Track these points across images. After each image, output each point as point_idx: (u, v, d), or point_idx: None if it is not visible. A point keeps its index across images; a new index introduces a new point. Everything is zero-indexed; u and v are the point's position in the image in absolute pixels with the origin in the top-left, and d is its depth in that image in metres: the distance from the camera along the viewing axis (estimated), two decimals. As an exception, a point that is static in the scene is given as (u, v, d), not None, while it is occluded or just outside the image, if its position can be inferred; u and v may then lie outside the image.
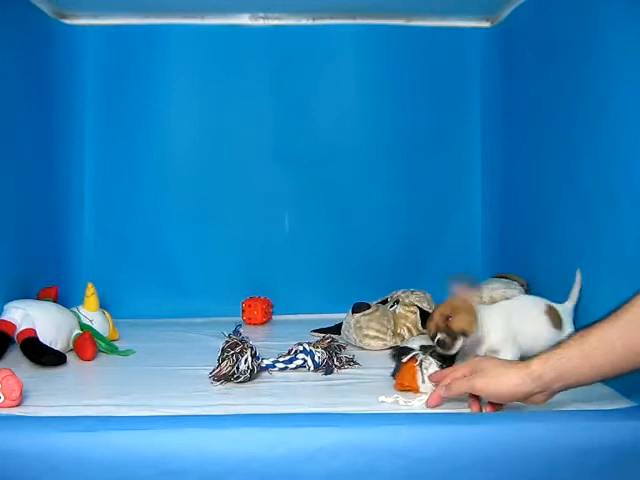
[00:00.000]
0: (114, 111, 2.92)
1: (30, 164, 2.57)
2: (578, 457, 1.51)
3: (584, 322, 2.00)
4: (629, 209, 1.79)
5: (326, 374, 2.04)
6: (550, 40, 2.31)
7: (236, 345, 1.96)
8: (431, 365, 1.85)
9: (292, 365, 2.07)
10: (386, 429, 1.52)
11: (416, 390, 1.83)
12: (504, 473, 1.50)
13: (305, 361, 2.07)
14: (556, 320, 1.96)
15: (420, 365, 1.84)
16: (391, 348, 1.94)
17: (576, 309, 2.05)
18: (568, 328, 1.97)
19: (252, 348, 1.97)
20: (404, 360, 1.89)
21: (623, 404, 1.70)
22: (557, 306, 2.00)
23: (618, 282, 1.83)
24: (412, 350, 1.91)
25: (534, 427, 1.53)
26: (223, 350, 1.95)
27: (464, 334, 1.80)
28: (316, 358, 2.06)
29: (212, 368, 1.95)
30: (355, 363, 2.13)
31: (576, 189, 2.10)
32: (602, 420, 1.56)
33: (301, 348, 2.10)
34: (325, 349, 2.12)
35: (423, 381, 1.82)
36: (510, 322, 1.90)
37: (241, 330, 2.06)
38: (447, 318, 1.82)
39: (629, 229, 1.79)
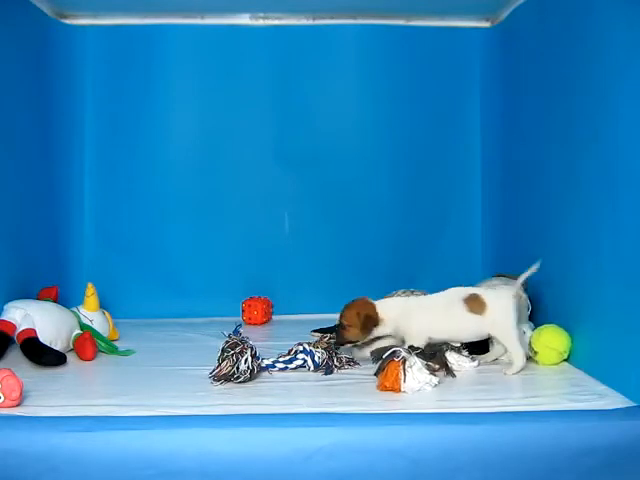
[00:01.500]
0: (114, 111, 2.92)
1: (30, 164, 2.57)
2: (578, 456, 1.51)
3: (588, 321, 2.03)
4: (630, 209, 1.79)
5: (326, 374, 2.04)
6: (550, 40, 2.31)
7: (236, 345, 1.96)
8: (415, 364, 1.86)
9: (292, 365, 2.07)
10: (386, 429, 1.52)
11: (397, 390, 1.83)
12: (504, 473, 1.50)
13: (305, 361, 2.07)
14: (476, 305, 2.05)
15: (404, 363, 1.85)
16: (372, 352, 1.99)
17: (572, 309, 2.09)
18: (497, 312, 2.03)
19: (252, 348, 1.97)
20: (385, 356, 1.89)
21: (623, 404, 1.70)
22: (485, 293, 2.07)
23: (619, 282, 1.82)
24: (392, 347, 1.94)
25: (534, 427, 1.54)
26: (223, 350, 1.95)
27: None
28: (316, 358, 2.07)
29: (212, 368, 1.95)
30: (355, 363, 2.13)
31: (576, 189, 2.09)
32: (602, 420, 1.56)
33: (301, 348, 2.10)
34: (325, 349, 2.12)
35: (405, 380, 1.83)
36: (405, 313, 2.07)
37: (241, 330, 2.06)
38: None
39: (630, 229, 1.78)
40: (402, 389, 1.82)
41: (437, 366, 1.97)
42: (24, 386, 1.70)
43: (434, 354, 2.01)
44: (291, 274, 2.97)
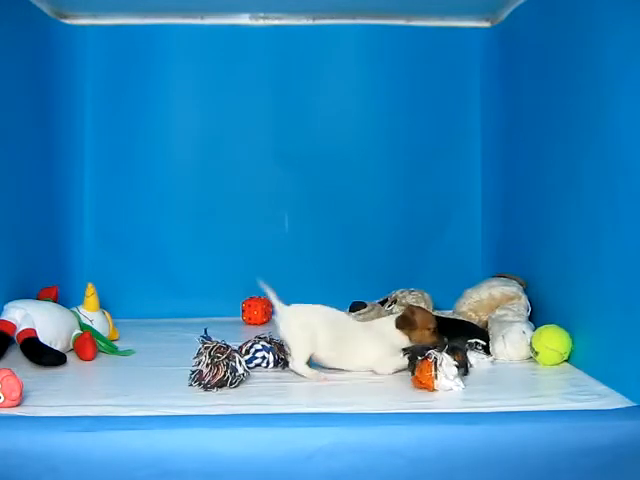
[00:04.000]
0: (114, 111, 2.92)
1: (30, 164, 2.57)
2: (577, 456, 1.51)
3: (588, 321, 2.02)
4: (630, 209, 1.79)
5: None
6: (550, 40, 2.31)
7: (222, 349, 1.91)
8: (443, 360, 1.87)
9: (252, 365, 2.06)
10: (386, 429, 1.52)
11: (431, 388, 1.84)
12: (504, 472, 1.50)
13: (265, 358, 2.08)
14: None
15: (435, 363, 1.86)
16: (404, 349, 2.00)
17: (572, 309, 2.10)
18: None
19: (237, 351, 1.96)
20: (420, 359, 1.90)
21: (623, 404, 1.70)
22: None
23: (619, 282, 1.83)
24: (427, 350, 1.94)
25: (534, 427, 1.54)
26: (211, 356, 1.89)
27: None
28: (276, 355, 2.08)
29: (196, 374, 1.88)
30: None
31: (576, 189, 2.10)
32: (602, 420, 1.56)
33: (259, 346, 2.10)
34: (280, 348, 2.12)
35: (437, 377, 1.83)
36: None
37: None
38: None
39: (630, 229, 1.78)
40: (435, 387, 1.83)
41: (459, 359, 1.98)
42: (24, 386, 1.70)
43: (455, 349, 2.01)
44: (291, 274, 2.96)
